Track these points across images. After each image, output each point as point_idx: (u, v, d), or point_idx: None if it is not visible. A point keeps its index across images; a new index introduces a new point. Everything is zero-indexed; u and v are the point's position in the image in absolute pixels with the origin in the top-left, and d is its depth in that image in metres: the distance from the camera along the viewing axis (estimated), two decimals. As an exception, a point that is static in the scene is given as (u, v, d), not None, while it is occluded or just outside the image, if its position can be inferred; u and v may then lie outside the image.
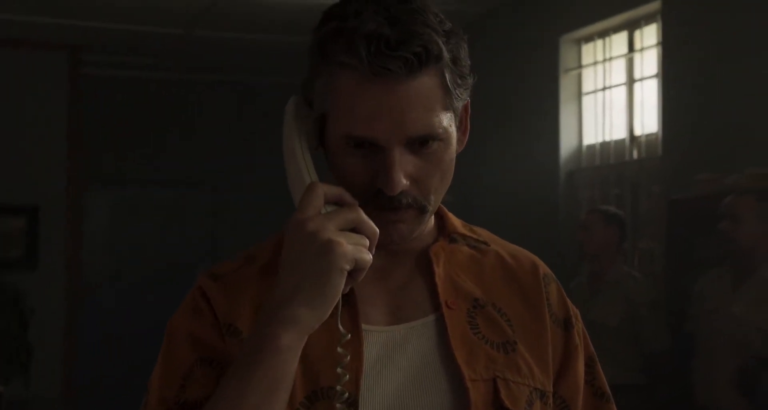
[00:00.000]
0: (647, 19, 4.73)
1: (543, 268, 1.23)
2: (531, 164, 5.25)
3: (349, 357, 1.05)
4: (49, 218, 6.22)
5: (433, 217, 1.19)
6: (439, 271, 1.15)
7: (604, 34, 5.02)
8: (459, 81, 1.08)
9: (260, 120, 7.40)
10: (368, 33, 1.02)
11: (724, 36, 4.14)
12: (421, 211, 1.10)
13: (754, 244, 3.47)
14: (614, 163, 4.92)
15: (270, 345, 1.00)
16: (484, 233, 1.24)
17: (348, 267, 1.01)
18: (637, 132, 4.83)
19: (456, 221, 1.22)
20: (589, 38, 5.12)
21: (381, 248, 1.09)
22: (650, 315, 3.96)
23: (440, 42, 1.04)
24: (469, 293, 1.15)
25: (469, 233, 1.22)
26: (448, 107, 1.07)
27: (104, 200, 7.24)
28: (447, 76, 1.06)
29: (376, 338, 1.11)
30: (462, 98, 1.10)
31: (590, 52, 5.13)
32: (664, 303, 4.06)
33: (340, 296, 1.03)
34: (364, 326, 1.10)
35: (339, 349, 1.05)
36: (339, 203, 1.06)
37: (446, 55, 1.05)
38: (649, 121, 4.73)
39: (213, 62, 6.98)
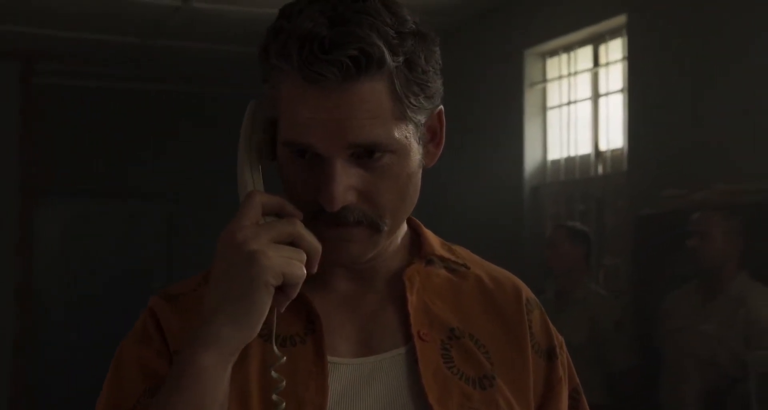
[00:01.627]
0: (612, 34, 4.69)
1: (526, 293, 1.13)
2: (495, 179, 5.18)
3: (284, 383, 0.96)
4: (0, 230, 6.08)
5: (406, 234, 1.10)
6: (412, 298, 1.06)
7: (569, 48, 4.98)
8: (416, 88, 0.97)
9: (218, 131, 7.29)
10: (302, 34, 0.93)
11: (690, 51, 4.11)
12: (375, 230, 0.99)
13: (723, 262, 3.42)
14: (579, 178, 4.86)
15: (191, 368, 0.91)
16: (464, 254, 1.15)
17: (274, 282, 0.92)
18: (603, 147, 4.78)
19: (434, 241, 1.12)
20: (553, 52, 5.07)
21: (333, 267, 1.01)
22: (616, 333, 3.90)
23: (384, 45, 0.93)
24: (445, 322, 1.06)
25: (447, 255, 1.12)
26: (401, 116, 0.97)
27: (57, 211, 7.08)
28: (397, 82, 0.95)
29: (342, 371, 1.02)
30: (423, 108, 0.99)
31: (555, 66, 5.08)
32: (630, 321, 4.00)
33: (266, 313, 0.93)
34: (330, 357, 1.01)
35: (273, 373, 0.97)
36: (280, 216, 0.97)
37: (393, 59, 0.94)
38: (614, 136, 4.69)
39: (170, 72, 6.86)
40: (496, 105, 5.28)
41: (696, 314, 3.47)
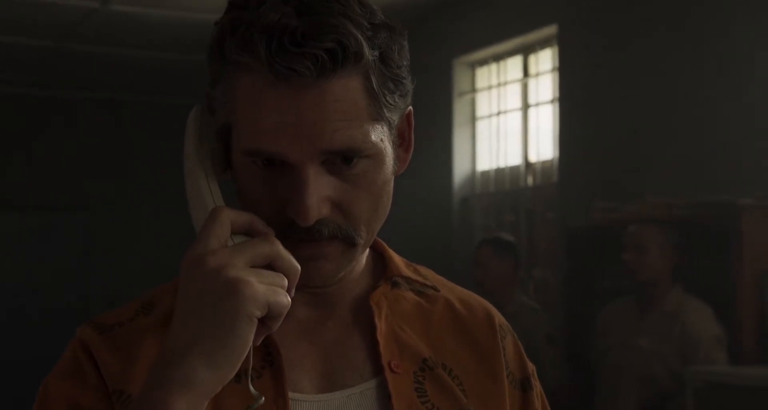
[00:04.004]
0: (542, 44, 4.65)
1: (498, 318, 1.04)
2: (424, 190, 5.09)
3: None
4: None
5: (369, 255, 0.99)
6: (381, 326, 0.94)
7: (498, 58, 4.93)
8: (391, 85, 0.87)
9: (135, 139, 7.11)
10: (269, 25, 0.81)
11: (621, 61, 4.09)
12: (349, 244, 0.88)
13: (658, 276, 3.38)
14: (509, 190, 4.81)
15: None
16: (430, 275, 1.04)
17: (259, 313, 0.80)
18: (533, 158, 4.74)
19: (399, 261, 1.01)
20: (483, 62, 5.02)
21: (300, 290, 0.88)
22: (548, 348, 3.83)
23: (361, 37, 0.83)
24: (417, 352, 0.95)
25: (414, 276, 1.01)
26: (377, 117, 0.86)
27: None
28: (373, 78, 0.85)
29: (306, 409, 0.90)
30: (397, 107, 0.89)
31: (485, 76, 5.04)
32: (563, 336, 3.94)
33: (249, 350, 0.81)
34: (291, 394, 0.90)
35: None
36: (250, 234, 0.84)
37: (370, 52, 0.84)
38: (544, 147, 4.65)
39: (86, 78, 6.63)
40: (424, 115, 5.15)
41: (631, 328, 3.43)
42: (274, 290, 0.80)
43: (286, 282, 0.82)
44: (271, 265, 0.82)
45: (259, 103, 0.83)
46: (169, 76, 6.43)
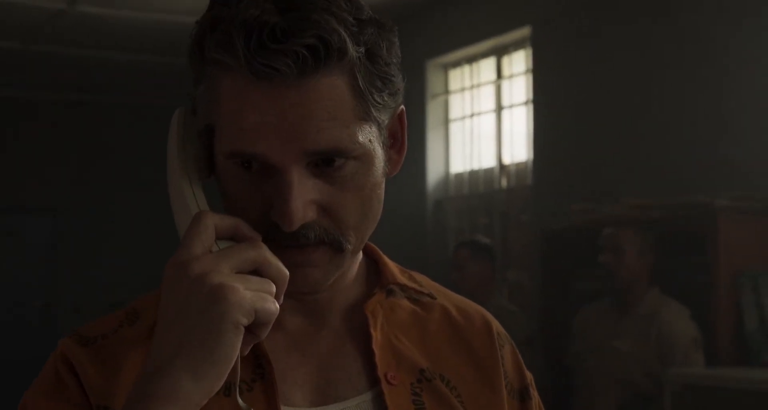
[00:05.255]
0: (516, 46, 4.64)
1: (496, 326, 1.00)
2: (397, 192, 5.04)
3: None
4: None
5: (362, 262, 0.95)
6: (376, 335, 0.91)
7: (471, 59, 4.92)
8: (379, 83, 0.83)
9: (101, 141, 7.03)
10: (248, 22, 0.78)
11: (595, 63, 4.08)
12: (337, 250, 0.84)
13: (635, 278, 3.37)
14: (483, 192, 4.79)
15: None
16: (425, 282, 1.00)
17: (245, 321, 0.76)
18: (507, 160, 4.72)
19: (394, 267, 0.98)
20: (456, 64, 5.00)
21: (288, 297, 0.84)
22: (525, 351, 3.81)
23: (345, 33, 0.79)
24: (414, 362, 0.92)
25: (409, 283, 0.97)
26: (364, 116, 0.83)
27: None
28: (359, 77, 0.81)
29: None
30: (387, 106, 0.85)
31: (458, 78, 5.01)
32: (540, 338, 3.92)
33: (235, 360, 0.77)
34: (283, 408, 0.86)
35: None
36: (235, 239, 0.81)
37: (354, 49, 0.80)
38: (518, 149, 4.63)
39: (52, 79, 6.54)
40: (397, 117, 5.18)
41: (608, 331, 3.42)
42: (261, 297, 0.77)
43: (274, 289, 0.78)
44: (257, 271, 0.79)
45: (240, 103, 0.80)
46: (137, 78, 6.36)
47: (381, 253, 0.98)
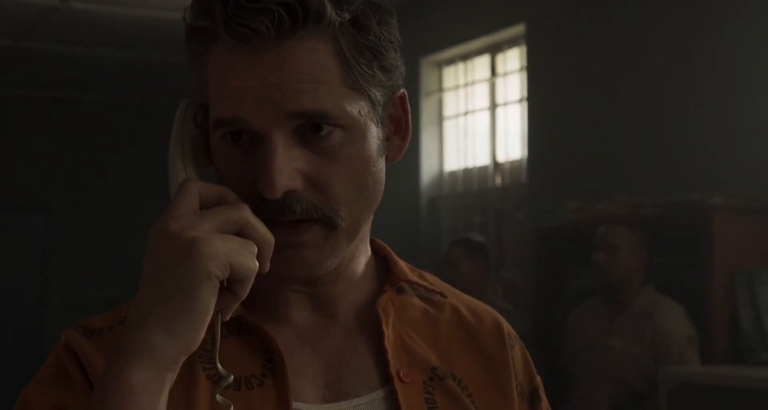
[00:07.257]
0: (510, 43, 4.63)
1: (506, 327, 0.99)
2: (391, 190, 5.00)
3: (232, 408, 0.79)
4: None
5: (372, 259, 0.94)
6: (388, 333, 0.90)
7: (466, 57, 4.90)
8: (368, 54, 0.82)
9: (94, 138, 7.01)
10: None
11: (590, 61, 4.08)
12: (329, 227, 0.83)
13: (629, 276, 3.37)
14: (477, 190, 4.78)
15: (116, 385, 0.73)
16: (436, 281, 0.99)
17: (219, 273, 0.74)
18: (501, 158, 4.71)
19: (404, 265, 0.97)
20: (450, 61, 4.99)
21: (284, 283, 0.84)
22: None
23: None
24: (426, 361, 0.91)
25: (420, 281, 0.96)
26: (352, 85, 0.81)
27: None
28: (343, 43, 0.81)
29: None
30: (376, 79, 0.83)
31: (452, 75, 5.00)
32: (534, 336, 3.92)
33: (210, 316, 0.75)
34: (295, 404, 0.84)
35: (218, 397, 0.79)
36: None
37: (336, 13, 0.80)
38: (512, 147, 4.63)
39: (44, 77, 6.52)
40: (391, 115, 5.17)
41: (603, 329, 3.41)
42: (238, 251, 0.75)
43: (255, 249, 0.77)
44: (240, 233, 0.77)
45: (223, 70, 0.80)
46: (130, 76, 6.33)
47: (391, 250, 0.97)
